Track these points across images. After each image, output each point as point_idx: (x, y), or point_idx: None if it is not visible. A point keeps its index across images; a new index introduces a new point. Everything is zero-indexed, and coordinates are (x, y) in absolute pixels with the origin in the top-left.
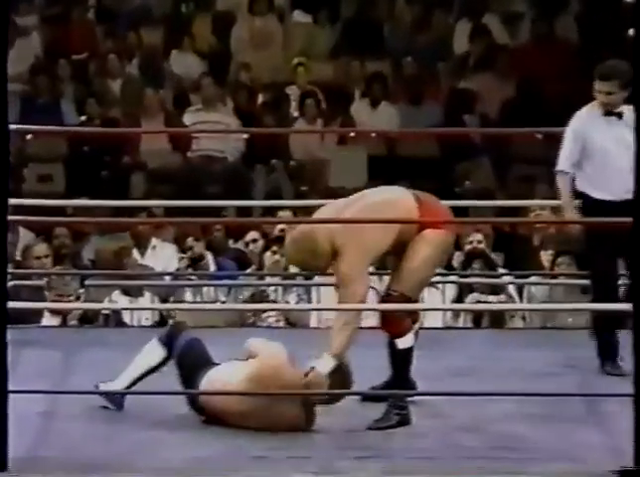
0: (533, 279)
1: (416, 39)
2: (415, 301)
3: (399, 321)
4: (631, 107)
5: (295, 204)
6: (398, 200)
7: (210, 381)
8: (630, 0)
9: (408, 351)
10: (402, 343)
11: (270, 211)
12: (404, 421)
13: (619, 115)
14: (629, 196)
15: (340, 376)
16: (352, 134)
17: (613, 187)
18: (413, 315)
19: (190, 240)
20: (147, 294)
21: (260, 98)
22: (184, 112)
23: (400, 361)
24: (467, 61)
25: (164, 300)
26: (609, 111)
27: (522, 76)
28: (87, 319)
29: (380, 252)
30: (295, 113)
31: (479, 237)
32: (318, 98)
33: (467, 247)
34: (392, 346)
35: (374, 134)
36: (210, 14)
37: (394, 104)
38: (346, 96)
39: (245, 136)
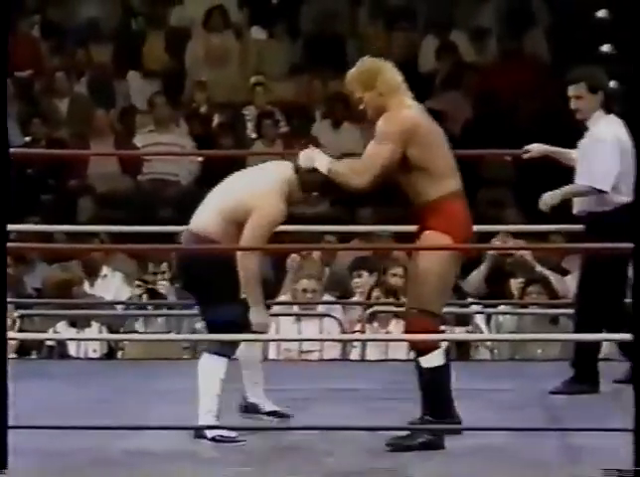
0: (501, 309)
1: (381, 55)
2: (439, 314)
3: (421, 334)
4: (609, 119)
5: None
6: (454, 171)
7: None
8: (602, 15)
9: (436, 370)
10: (427, 361)
11: None
12: (432, 445)
13: (586, 128)
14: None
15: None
16: None
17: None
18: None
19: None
20: (95, 325)
21: (216, 119)
22: (135, 134)
23: (427, 382)
24: (434, 79)
25: (115, 331)
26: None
27: (490, 94)
28: (24, 351)
29: None
30: (253, 135)
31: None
32: (276, 119)
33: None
34: (418, 367)
35: (336, 156)
36: (163, 30)
37: (357, 125)
38: (307, 116)
39: (200, 159)
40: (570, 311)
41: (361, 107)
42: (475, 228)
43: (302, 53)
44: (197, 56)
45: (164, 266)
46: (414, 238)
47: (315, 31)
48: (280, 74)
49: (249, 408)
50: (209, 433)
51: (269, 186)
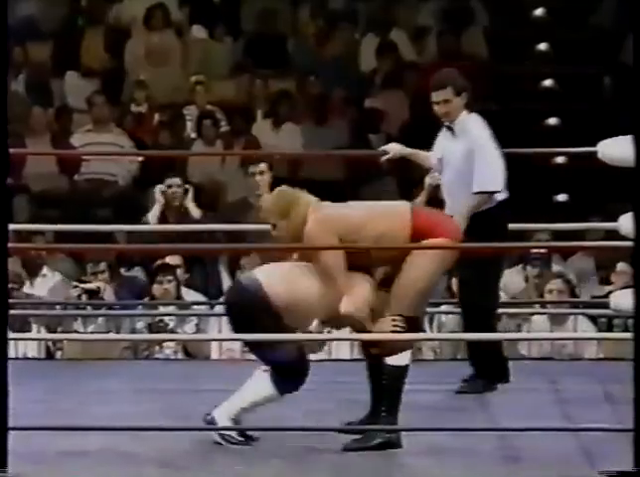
0: (443, 308)
1: (322, 55)
2: (418, 319)
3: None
4: (474, 118)
5: (190, 228)
6: (394, 205)
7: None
8: (539, 13)
9: (402, 369)
10: (395, 360)
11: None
12: (389, 444)
13: (452, 130)
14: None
15: None
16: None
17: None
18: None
19: (99, 274)
20: (33, 325)
21: (156, 118)
22: (72, 133)
23: (392, 380)
24: (374, 78)
25: (53, 331)
26: (448, 126)
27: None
28: None
29: (350, 233)
30: (193, 134)
31: None
32: (216, 119)
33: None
34: (382, 365)
35: (277, 156)
36: (102, 29)
37: (298, 124)
38: (248, 116)
39: (140, 158)
40: (518, 310)
41: (274, 233)
42: None
43: (243, 52)
44: (137, 55)
45: (102, 266)
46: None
47: (256, 30)
48: (221, 73)
49: (205, 419)
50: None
51: None
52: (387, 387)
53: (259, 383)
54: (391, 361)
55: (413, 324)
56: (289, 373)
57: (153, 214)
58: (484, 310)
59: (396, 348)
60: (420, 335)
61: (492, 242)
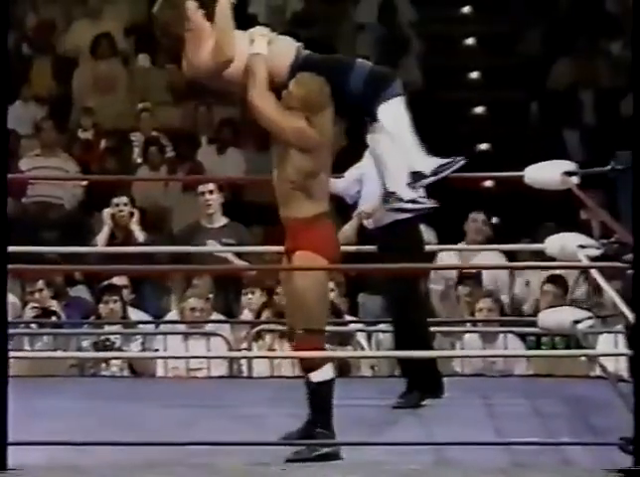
0: (381, 326)
1: None
2: (323, 329)
3: (309, 352)
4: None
5: (135, 251)
6: None
7: None
8: (471, 42)
9: (326, 384)
10: (316, 377)
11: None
12: (330, 456)
13: None
14: None
15: None
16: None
17: None
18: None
19: (37, 293)
20: None
21: (103, 144)
22: (20, 157)
23: (317, 396)
24: None
25: None
26: None
27: None
28: None
29: None
30: (139, 160)
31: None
32: (162, 145)
33: None
34: (307, 383)
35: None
36: (49, 57)
37: (241, 149)
38: (192, 142)
39: (85, 183)
40: (450, 329)
41: None
42: None
43: (187, 80)
44: (84, 82)
45: (40, 284)
46: (286, 256)
47: None
48: (167, 101)
49: None
50: None
51: None
52: (312, 403)
53: None
54: (313, 377)
55: (321, 337)
56: None
57: (101, 236)
58: (413, 324)
59: (314, 364)
60: (359, 353)
61: (411, 255)
